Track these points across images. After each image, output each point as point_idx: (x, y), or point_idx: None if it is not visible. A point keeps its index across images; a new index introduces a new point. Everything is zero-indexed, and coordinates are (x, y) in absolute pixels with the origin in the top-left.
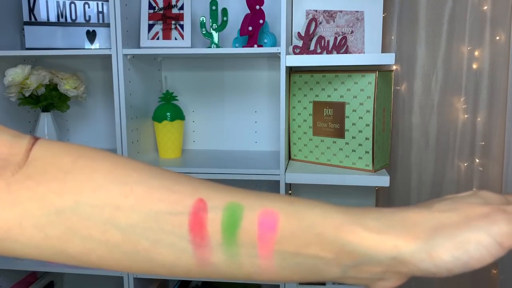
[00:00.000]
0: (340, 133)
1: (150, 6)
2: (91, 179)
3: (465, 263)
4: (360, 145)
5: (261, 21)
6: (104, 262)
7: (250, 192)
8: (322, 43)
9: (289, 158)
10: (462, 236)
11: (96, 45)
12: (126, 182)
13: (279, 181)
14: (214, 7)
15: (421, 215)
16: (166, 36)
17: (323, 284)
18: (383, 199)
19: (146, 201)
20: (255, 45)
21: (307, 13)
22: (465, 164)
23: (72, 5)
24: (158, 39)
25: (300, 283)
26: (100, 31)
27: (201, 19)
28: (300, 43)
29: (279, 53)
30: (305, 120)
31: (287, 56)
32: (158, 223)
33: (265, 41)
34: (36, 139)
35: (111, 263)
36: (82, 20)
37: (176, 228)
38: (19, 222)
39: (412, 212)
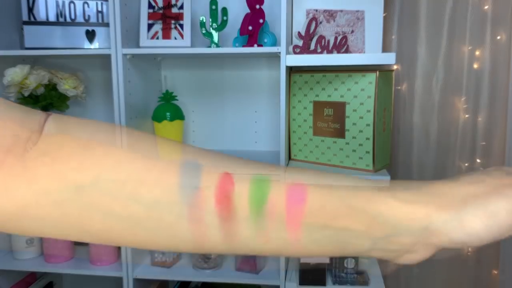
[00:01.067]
0: (340, 133)
1: (150, 6)
2: (111, 153)
3: (496, 231)
4: (360, 145)
5: (261, 21)
6: (124, 238)
7: (277, 166)
8: (323, 43)
9: (289, 158)
10: (492, 205)
11: (95, 44)
12: (148, 157)
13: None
14: (214, 7)
15: (449, 186)
16: (166, 36)
17: (324, 284)
18: None
19: (170, 175)
20: (255, 45)
21: (307, 13)
22: (466, 164)
23: (72, 5)
24: (157, 38)
25: (301, 284)
26: (100, 31)
27: (201, 19)
28: (300, 43)
29: (279, 52)
30: (305, 120)
31: (287, 55)
32: (183, 197)
33: (265, 40)
34: (48, 114)
35: (132, 240)
36: (82, 20)
37: (201, 202)
38: (36, 200)
39: (440, 184)
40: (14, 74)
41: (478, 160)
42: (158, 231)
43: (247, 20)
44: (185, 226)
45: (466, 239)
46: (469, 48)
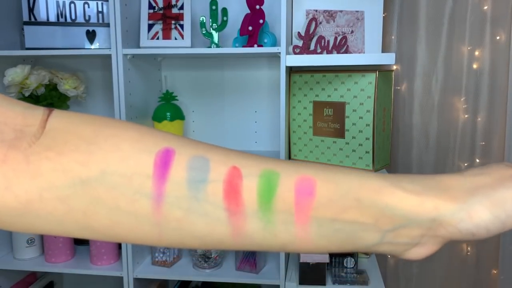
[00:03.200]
0: (340, 133)
1: (150, 6)
2: (118, 148)
3: (503, 221)
4: (360, 145)
5: (261, 21)
6: (131, 235)
7: (283, 160)
8: (322, 43)
9: (289, 158)
10: (498, 195)
11: (96, 45)
12: (155, 151)
13: None
14: (214, 7)
15: (455, 179)
16: (166, 36)
17: (323, 283)
18: None
19: (178, 169)
20: (255, 45)
21: (307, 13)
22: (466, 164)
23: (72, 5)
24: (158, 39)
25: (301, 283)
26: (100, 31)
27: (201, 19)
28: (300, 43)
29: (279, 53)
30: (305, 120)
31: (287, 56)
32: (191, 191)
33: (265, 41)
34: (51, 110)
35: (139, 236)
36: (82, 20)
37: (210, 196)
38: (40, 194)
39: (445, 176)
40: (15, 74)
41: (477, 160)
42: (167, 227)
43: (247, 20)
44: (194, 221)
45: (474, 230)
46: (469, 48)
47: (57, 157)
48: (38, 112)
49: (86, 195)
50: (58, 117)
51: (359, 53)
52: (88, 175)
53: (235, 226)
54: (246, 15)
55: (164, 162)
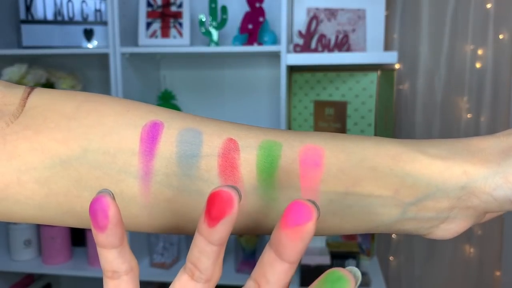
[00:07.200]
0: (341, 132)
1: (148, 4)
2: (100, 123)
3: None
4: None
5: (261, 19)
6: None
7: (286, 130)
8: (323, 41)
9: None
10: None
11: (93, 43)
12: (142, 125)
13: None
14: (213, 5)
15: (486, 140)
16: (165, 34)
17: None
18: None
19: (167, 144)
20: (255, 44)
21: (308, 11)
22: None
23: (69, 3)
24: (156, 37)
25: (302, 285)
26: (98, 30)
27: (200, 17)
28: (301, 41)
29: (280, 51)
30: (306, 120)
31: (288, 54)
32: (182, 168)
33: (265, 39)
34: (32, 88)
35: (127, 221)
36: (80, 19)
37: (203, 173)
38: (18, 177)
39: (475, 138)
40: (12, 73)
41: None
42: (156, 209)
43: (247, 18)
44: (186, 201)
45: None
46: (472, 47)
47: (35, 136)
48: (18, 90)
49: (67, 176)
50: (40, 94)
51: (361, 51)
52: (68, 154)
53: None
54: (246, 13)
55: (151, 137)
